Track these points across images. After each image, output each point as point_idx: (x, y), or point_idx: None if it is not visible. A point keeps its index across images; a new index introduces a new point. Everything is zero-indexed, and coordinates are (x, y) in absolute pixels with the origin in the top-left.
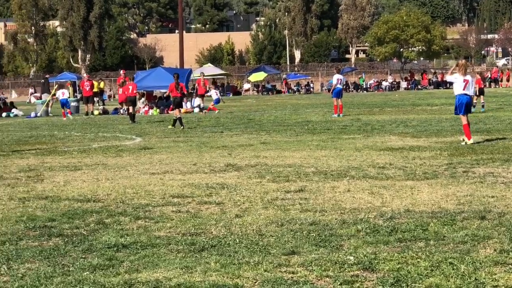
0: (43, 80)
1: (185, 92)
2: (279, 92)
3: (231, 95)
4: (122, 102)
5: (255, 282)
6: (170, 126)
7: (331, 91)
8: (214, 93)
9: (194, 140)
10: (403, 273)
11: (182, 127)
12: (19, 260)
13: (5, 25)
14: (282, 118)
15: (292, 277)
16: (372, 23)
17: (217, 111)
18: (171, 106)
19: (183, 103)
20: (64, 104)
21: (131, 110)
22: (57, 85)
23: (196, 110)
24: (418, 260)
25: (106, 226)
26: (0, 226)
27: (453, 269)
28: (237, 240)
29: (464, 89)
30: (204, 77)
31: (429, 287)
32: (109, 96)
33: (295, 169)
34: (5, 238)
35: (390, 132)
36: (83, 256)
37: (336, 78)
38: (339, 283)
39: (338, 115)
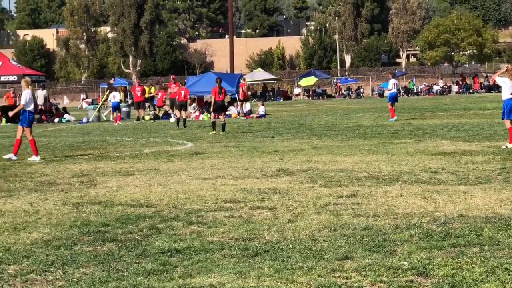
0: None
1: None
2: (329, 96)
3: (281, 100)
4: (160, 106)
5: (309, 287)
6: (211, 133)
7: (388, 95)
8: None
9: (246, 145)
10: (458, 278)
11: (223, 131)
12: (74, 265)
13: (57, 32)
14: (333, 123)
15: (346, 283)
16: (423, 27)
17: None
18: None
19: (234, 108)
20: (116, 107)
21: (181, 115)
22: (108, 91)
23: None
24: (473, 265)
25: (159, 231)
26: (54, 231)
27: (508, 275)
28: (290, 245)
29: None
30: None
31: None
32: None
33: (347, 174)
34: (60, 243)
35: (441, 137)
36: (137, 261)
37: (392, 82)
38: None
39: (394, 120)
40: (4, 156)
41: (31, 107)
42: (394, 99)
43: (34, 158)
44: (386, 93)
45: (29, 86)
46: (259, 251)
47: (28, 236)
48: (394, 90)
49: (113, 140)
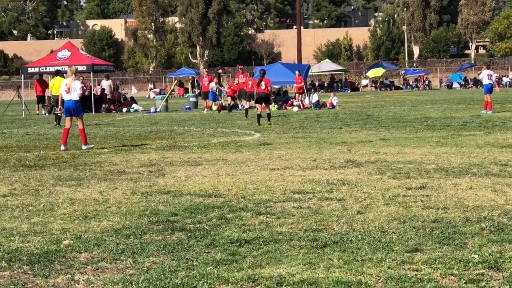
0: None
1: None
2: (397, 88)
3: (349, 91)
4: (230, 96)
5: (379, 279)
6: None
7: (484, 87)
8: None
9: (313, 136)
10: None
11: (268, 123)
12: (144, 254)
13: (126, 22)
14: (401, 114)
15: (416, 275)
16: (493, 18)
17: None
18: (289, 102)
19: (302, 99)
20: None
21: (247, 105)
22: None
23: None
24: None
25: (228, 221)
26: (124, 219)
27: None
28: (360, 237)
29: None
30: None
31: None
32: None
33: (416, 165)
34: (130, 232)
35: None
36: (206, 251)
37: (486, 73)
38: (464, 282)
39: (487, 112)
40: (84, 147)
41: (73, 96)
42: (489, 90)
43: (86, 146)
44: (485, 82)
45: (74, 75)
46: (328, 242)
47: (98, 224)
48: (489, 81)
49: (181, 130)
